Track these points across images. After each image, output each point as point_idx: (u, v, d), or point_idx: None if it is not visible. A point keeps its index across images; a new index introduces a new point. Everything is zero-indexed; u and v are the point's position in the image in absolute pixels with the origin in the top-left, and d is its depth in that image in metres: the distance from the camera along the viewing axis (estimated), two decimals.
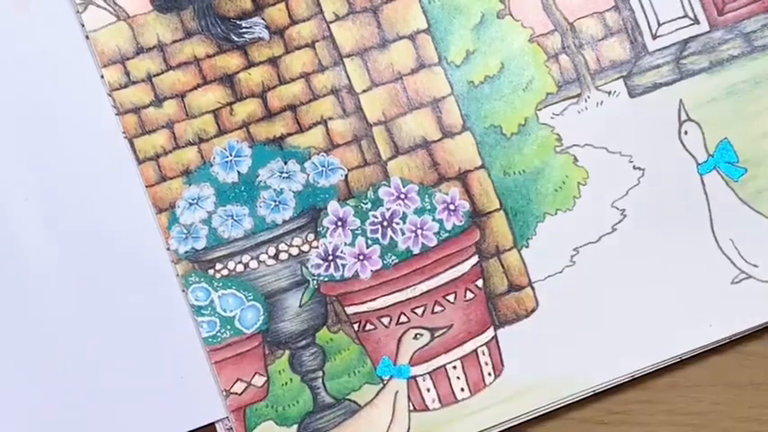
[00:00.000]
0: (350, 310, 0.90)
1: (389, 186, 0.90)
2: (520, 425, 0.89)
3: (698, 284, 0.90)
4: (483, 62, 0.90)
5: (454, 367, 0.90)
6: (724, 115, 0.90)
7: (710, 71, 0.90)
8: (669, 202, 0.90)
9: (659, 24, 0.90)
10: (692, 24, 0.91)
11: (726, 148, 0.89)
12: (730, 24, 0.90)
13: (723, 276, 0.90)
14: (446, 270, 0.90)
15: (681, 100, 0.90)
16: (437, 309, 0.89)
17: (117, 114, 0.89)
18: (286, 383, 0.90)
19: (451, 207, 0.90)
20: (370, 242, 0.90)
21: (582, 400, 0.89)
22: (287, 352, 0.90)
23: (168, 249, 0.89)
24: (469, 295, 0.90)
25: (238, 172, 0.90)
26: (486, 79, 0.90)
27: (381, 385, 0.90)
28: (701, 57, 0.90)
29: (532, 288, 0.90)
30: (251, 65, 0.90)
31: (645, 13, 0.90)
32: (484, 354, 0.90)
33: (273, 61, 0.90)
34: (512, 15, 0.90)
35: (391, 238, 0.90)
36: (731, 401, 0.90)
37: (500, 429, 0.89)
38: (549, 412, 0.89)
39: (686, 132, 0.89)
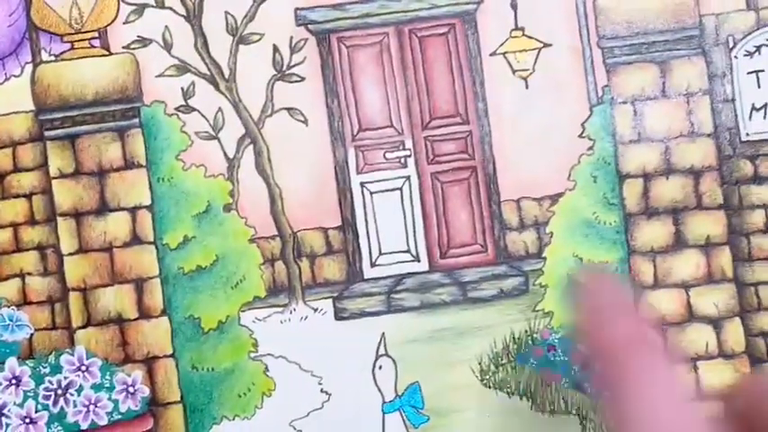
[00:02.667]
0: None
1: (72, 355, 0.89)
2: None
3: None
4: (199, 251, 0.91)
5: None
6: (422, 358, 0.91)
7: (420, 311, 0.92)
8: None
9: (380, 254, 0.92)
10: (412, 261, 0.93)
11: (414, 392, 0.91)
12: (449, 270, 0.92)
13: None
14: None
15: (383, 333, 0.91)
16: None
17: None
18: None
19: (131, 390, 0.89)
20: (40, 407, 0.88)
21: None
22: None
23: None
24: None
25: None
26: (198, 269, 0.90)
27: None
28: (414, 295, 0.92)
29: None
30: None
31: (369, 238, 0.92)
32: None
33: None
34: (238, 211, 0.91)
35: (62, 407, 0.89)
36: None
37: None
38: None
39: (380, 367, 0.91)
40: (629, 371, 0.75)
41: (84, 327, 0.90)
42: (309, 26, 0.92)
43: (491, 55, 0.93)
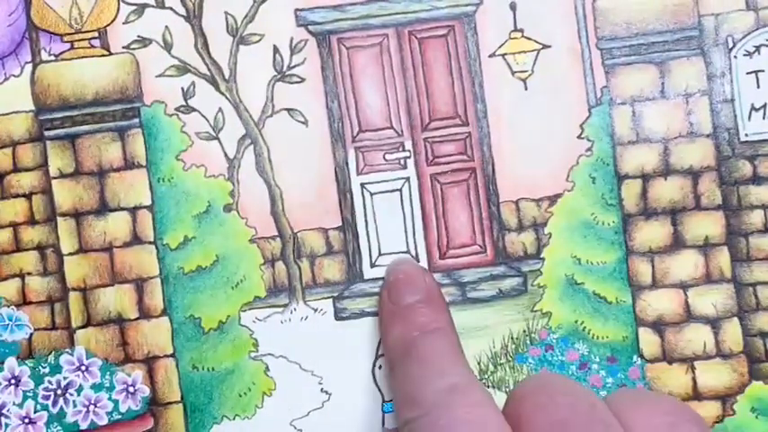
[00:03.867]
0: None
1: (72, 355, 0.89)
2: None
3: None
4: (199, 251, 0.91)
5: None
6: None
7: None
8: None
9: (380, 254, 0.93)
10: None
11: None
12: (449, 270, 0.93)
13: None
14: None
15: None
16: None
17: None
18: None
19: (131, 390, 0.90)
20: (39, 407, 0.89)
21: None
22: None
23: None
24: None
25: None
26: (198, 269, 0.91)
27: None
28: None
29: None
30: None
31: (369, 239, 0.93)
32: None
33: None
34: (238, 212, 0.92)
35: (62, 407, 0.89)
36: None
37: None
38: None
39: (380, 367, 0.91)
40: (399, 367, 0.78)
41: (84, 327, 0.90)
42: (310, 27, 0.93)
43: (490, 56, 0.94)
